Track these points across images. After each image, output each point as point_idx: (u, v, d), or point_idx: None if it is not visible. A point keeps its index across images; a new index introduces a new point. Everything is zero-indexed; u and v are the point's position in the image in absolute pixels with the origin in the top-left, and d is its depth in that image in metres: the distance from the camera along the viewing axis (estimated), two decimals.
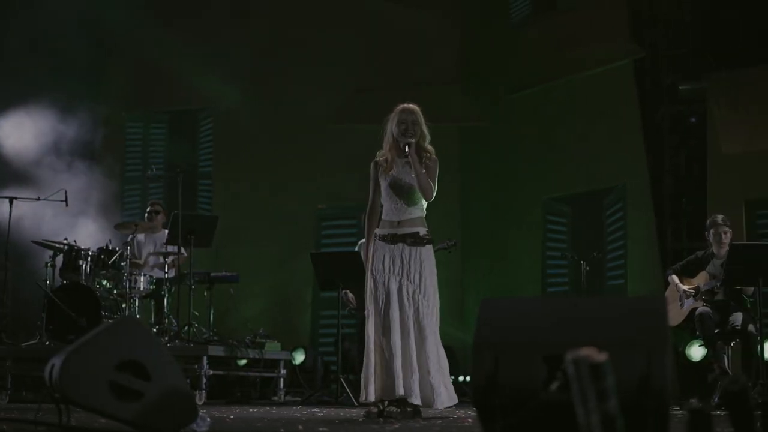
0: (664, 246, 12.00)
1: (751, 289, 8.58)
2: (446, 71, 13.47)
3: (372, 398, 6.16)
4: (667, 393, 3.39)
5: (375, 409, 6.20)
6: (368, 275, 6.45)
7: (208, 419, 4.59)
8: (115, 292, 10.55)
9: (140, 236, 11.20)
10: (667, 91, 12.36)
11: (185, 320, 10.23)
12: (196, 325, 10.30)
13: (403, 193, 6.45)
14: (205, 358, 9.46)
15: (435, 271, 6.47)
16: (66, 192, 10.84)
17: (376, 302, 6.38)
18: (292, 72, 13.53)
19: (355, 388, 9.54)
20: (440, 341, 6.42)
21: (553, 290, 12.84)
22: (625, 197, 12.39)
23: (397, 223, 6.44)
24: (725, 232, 8.92)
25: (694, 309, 8.70)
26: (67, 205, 10.87)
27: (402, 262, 6.35)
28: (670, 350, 3.55)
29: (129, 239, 10.80)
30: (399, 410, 6.18)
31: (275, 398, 10.76)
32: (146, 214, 11.37)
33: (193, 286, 10.35)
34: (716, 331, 8.58)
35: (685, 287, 8.93)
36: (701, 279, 8.93)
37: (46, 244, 10.68)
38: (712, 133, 11.76)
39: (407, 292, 6.29)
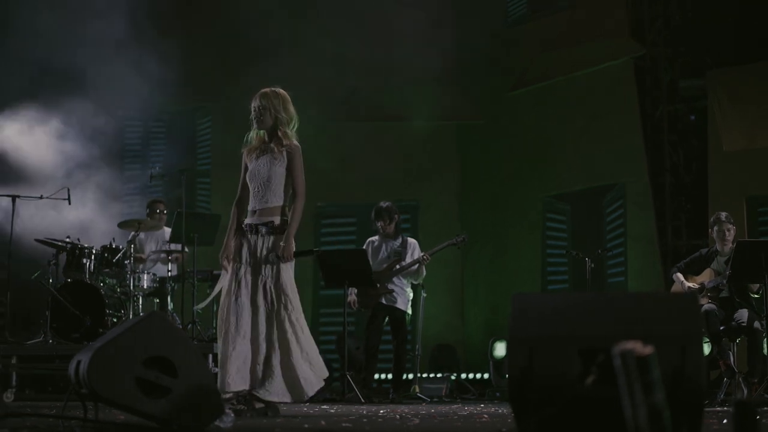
0: (664, 244, 12.05)
1: (756, 286, 8.63)
2: (444, 69, 13.47)
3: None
4: (701, 387, 3.42)
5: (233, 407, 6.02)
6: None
7: (232, 415, 4.62)
8: (119, 290, 10.56)
9: (143, 234, 11.20)
10: (666, 89, 12.43)
11: (189, 318, 10.24)
12: (200, 322, 10.30)
13: (258, 182, 6.37)
14: (210, 356, 9.46)
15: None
16: (69, 190, 10.82)
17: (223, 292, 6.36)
18: (288, 70, 13.51)
19: (361, 385, 9.60)
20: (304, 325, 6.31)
21: (553, 288, 12.87)
22: (625, 195, 12.42)
23: (254, 213, 6.38)
24: (729, 230, 8.97)
25: (700, 306, 8.74)
26: (70, 203, 10.85)
27: (257, 252, 6.28)
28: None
29: (131, 237, 10.80)
30: (246, 407, 6.08)
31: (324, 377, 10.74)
32: (148, 212, 11.35)
33: (196, 284, 10.36)
34: (722, 327, 8.62)
35: (690, 284, 8.97)
36: (706, 276, 8.98)
37: (49, 243, 10.66)
38: (713, 130, 11.81)
39: (260, 282, 6.22)
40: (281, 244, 6.23)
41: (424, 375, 11.55)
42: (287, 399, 6.15)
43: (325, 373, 6.33)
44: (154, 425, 4.27)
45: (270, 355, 6.08)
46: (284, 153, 6.32)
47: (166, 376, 4.32)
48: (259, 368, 6.07)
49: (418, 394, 10.08)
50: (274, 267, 6.22)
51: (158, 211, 11.34)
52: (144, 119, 14.27)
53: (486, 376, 12.04)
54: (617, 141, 12.33)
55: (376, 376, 10.77)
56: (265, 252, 6.24)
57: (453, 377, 11.55)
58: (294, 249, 6.30)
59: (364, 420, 5.54)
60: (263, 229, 6.27)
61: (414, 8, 13.37)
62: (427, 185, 13.77)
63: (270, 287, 6.17)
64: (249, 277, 6.23)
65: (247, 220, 6.38)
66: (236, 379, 6.04)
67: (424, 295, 10.56)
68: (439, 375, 11.75)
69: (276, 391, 6.06)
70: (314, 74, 13.11)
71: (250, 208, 6.40)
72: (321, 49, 13.31)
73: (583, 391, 3.39)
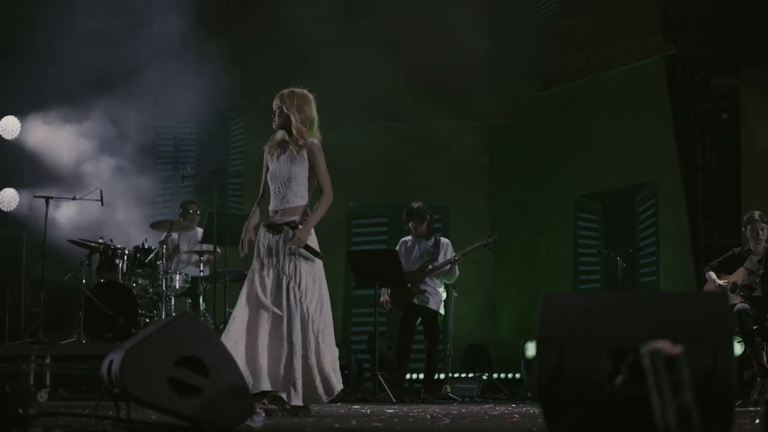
0: (697, 243, 11.98)
1: None
2: (475, 69, 13.46)
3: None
4: (732, 387, 3.40)
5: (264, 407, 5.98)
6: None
7: (263, 415, 4.64)
8: (151, 290, 10.63)
9: (175, 235, 11.27)
10: (698, 88, 12.34)
11: (221, 318, 10.29)
12: None
13: (279, 182, 6.35)
14: None
15: (315, 260, 6.30)
16: (101, 191, 10.92)
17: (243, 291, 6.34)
18: (320, 70, 13.54)
19: (392, 385, 9.61)
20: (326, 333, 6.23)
21: (585, 288, 12.82)
22: (657, 194, 12.37)
23: (276, 213, 6.36)
24: (762, 229, 8.92)
25: (733, 305, 8.69)
26: (102, 204, 10.95)
27: (278, 252, 6.24)
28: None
29: (164, 237, 10.88)
30: (278, 407, 6.05)
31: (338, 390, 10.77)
32: (181, 213, 11.40)
33: (228, 285, 10.40)
34: (755, 327, 8.57)
35: (721, 282, 8.92)
36: (739, 275, 8.93)
37: (82, 243, 10.75)
38: (745, 128, 11.72)
39: (283, 283, 6.17)
40: (299, 226, 6.21)
41: (456, 375, 11.55)
42: (300, 402, 6.07)
43: (339, 387, 6.20)
44: (186, 425, 4.30)
45: (291, 357, 6.03)
46: (304, 153, 6.31)
47: (197, 375, 4.33)
48: (282, 370, 6.04)
49: (450, 394, 10.08)
50: (297, 267, 6.18)
51: (191, 211, 11.41)
52: (176, 120, 14.35)
53: (518, 376, 12.03)
54: (649, 140, 12.27)
55: (408, 376, 10.77)
56: (287, 252, 6.21)
57: (484, 377, 11.53)
58: (308, 240, 6.22)
59: (395, 420, 5.55)
60: (285, 229, 6.25)
61: (445, 9, 13.37)
62: (458, 185, 13.77)
63: (293, 288, 6.13)
64: (271, 278, 6.20)
65: (269, 219, 6.36)
66: (262, 380, 6.02)
67: (455, 294, 10.56)
68: (470, 375, 11.74)
69: (297, 395, 6.02)
70: (347, 75, 13.12)
71: (271, 208, 6.38)
72: (352, 51, 13.32)
73: (613, 391, 3.38)
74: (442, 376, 10.79)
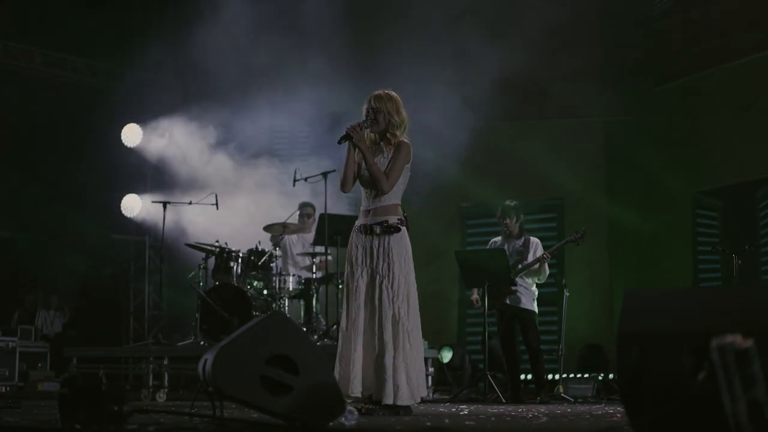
0: None
1: None
2: (590, 65, 13.31)
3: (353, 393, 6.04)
4: None
5: (364, 407, 6.02)
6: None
7: (356, 413, 4.67)
8: (265, 292, 10.79)
9: (289, 237, 11.42)
10: None
11: (333, 319, 10.39)
12: None
13: (370, 181, 6.31)
14: None
15: (407, 260, 6.26)
16: (216, 195, 11.16)
17: (343, 296, 6.34)
18: (434, 70, 13.55)
19: (504, 386, 9.56)
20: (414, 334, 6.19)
21: (705, 285, 12.54)
22: None
23: (368, 212, 6.32)
24: None
25: None
26: (217, 208, 11.18)
27: (372, 252, 6.22)
28: None
29: (277, 240, 11.04)
30: (377, 406, 6.02)
31: (423, 396, 10.80)
32: (299, 215, 11.52)
33: (340, 286, 10.49)
34: None
35: None
36: None
37: (198, 247, 11.00)
38: None
39: (377, 283, 6.15)
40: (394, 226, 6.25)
41: (571, 375, 11.41)
42: (390, 401, 6.06)
43: (423, 393, 6.22)
44: (279, 422, 4.36)
45: (383, 355, 6.04)
46: (392, 151, 6.34)
47: (288, 373, 4.40)
48: (375, 369, 6.07)
49: (563, 395, 9.96)
50: (390, 267, 6.20)
51: (307, 214, 11.53)
52: (290, 123, 14.54)
53: None
54: None
55: (522, 376, 10.68)
56: (381, 252, 6.23)
57: (600, 377, 11.36)
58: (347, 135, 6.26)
59: (492, 419, 5.53)
60: (377, 229, 6.23)
61: (560, 5, 13.25)
62: (574, 183, 13.60)
63: (387, 287, 6.16)
64: (365, 278, 6.23)
65: (361, 221, 6.37)
66: (358, 381, 6.06)
67: (567, 294, 10.43)
68: (585, 375, 11.58)
69: (388, 395, 6.04)
70: (460, 75, 13.10)
71: (363, 208, 6.42)
72: (467, 50, 13.29)
73: (696, 387, 3.31)
74: (556, 376, 10.68)
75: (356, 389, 6.03)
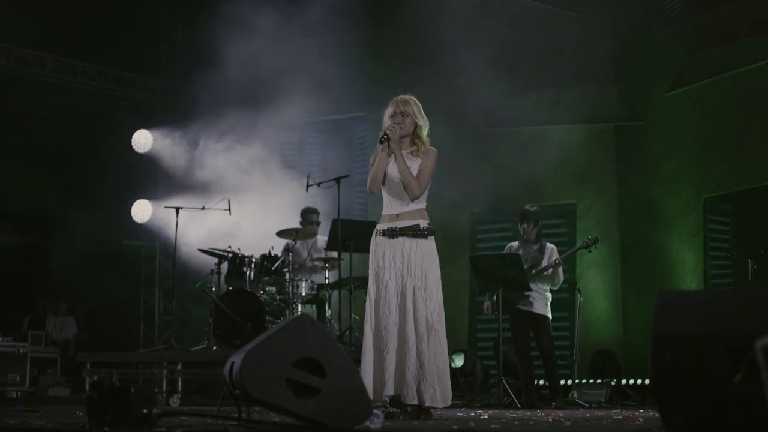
0: None
1: None
2: (600, 70, 13.30)
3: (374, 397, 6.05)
4: None
5: (386, 410, 6.02)
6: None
7: (382, 416, 4.67)
8: (278, 297, 10.78)
9: (297, 242, 11.42)
10: None
11: (346, 324, 10.38)
12: (357, 329, 10.42)
13: (398, 186, 6.35)
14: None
15: (438, 264, 6.36)
16: (229, 201, 11.16)
17: (369, 299, 6.33)
18: (443, 76, 13.55)
19: (517, 391, 9.53)
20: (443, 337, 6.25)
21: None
22: None
23: (396, 216, 6.35)
24: None
25: None
26: (230, 213, 11.18)
27: (402, 256, 6.25)
28: None
29: (288, 246, 11.02)
30: (399, 410, 6.05)
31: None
32: (301, 221, 11.50)
33: (353, 291, 10.48)
34: None
35: None
36: None
37: (211, 252, 10.99)
38: None
39: (409, 286, 6.18)
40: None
41: (583, 381, 11.39)
42: (442, 404, 6.13)
43: (448, 400, 6.24)
44: (305, 425, 4.36)
45: (414, 360, 6.06)
46: (421, 156, 6.36)
47: (315, 376, 4.40)
48: (408, 374, 6.07)
49: (577, 400, 9.93)
50: (423, 271, 6.22)
51: (311, 220, 11.52)
52: (302, 128, 14.56)
53: (647, 381, 11.78)
54: None
55: (535, 382, 10.65)
56: (413, 256, 6.23)
57: (613, 383, 11.34)
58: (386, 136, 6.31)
59: (515, 423, 5.52)
60: (408, 233, 6.28)
61: (569, 10, 13.25)
62: (584, 188, 13.58)
63: (421, 291, 6.17)
64: (394, 282, 6.24)
65: (387, 225, 6.39)
66: (388, 385, 6.05)
67: (581, 299, 10.41)
68: (598, 381, 11.57)
69: (415, 397, 6.03)
70: (469, 80, 13.11)
71: (386, 212, 6.43)
72: (476, 55, 13.30)
73: (731, 389, 3.30)
74: (569, 382, 10.65)
75: (389, 390, 6.03)
